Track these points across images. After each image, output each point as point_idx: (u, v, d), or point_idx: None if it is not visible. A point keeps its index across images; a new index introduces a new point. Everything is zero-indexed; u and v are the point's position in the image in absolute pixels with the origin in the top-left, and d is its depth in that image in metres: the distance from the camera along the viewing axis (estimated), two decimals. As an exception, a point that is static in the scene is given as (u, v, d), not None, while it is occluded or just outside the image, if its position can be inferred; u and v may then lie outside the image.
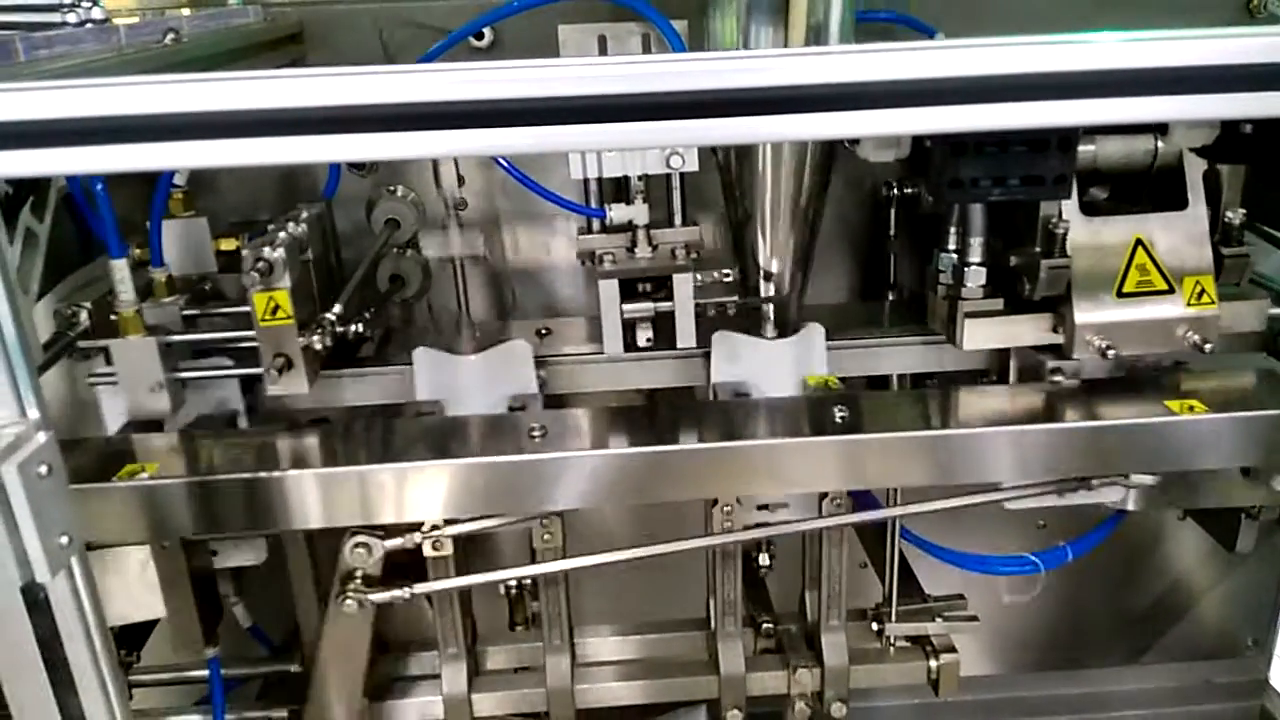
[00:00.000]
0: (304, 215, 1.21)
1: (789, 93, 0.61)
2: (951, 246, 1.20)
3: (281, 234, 1.11)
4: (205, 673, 1.29)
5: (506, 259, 1.50)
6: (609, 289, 1.25)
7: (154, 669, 1.32)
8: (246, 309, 1.12)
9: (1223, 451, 1.10)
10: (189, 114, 0.64)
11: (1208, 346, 1.12)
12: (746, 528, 1.23)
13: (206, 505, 1.05)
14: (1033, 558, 1.43)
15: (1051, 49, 0.62)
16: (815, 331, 1.27)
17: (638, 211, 1.31)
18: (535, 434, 1.09)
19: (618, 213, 1.32)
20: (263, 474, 1.06)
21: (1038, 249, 1.12)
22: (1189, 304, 1.13)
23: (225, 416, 1.24)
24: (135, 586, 1.12)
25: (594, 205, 1.35)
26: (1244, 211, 1.15)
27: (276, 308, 1.09)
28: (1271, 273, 1.29)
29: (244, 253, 1.08)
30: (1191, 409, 1.07)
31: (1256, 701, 2.01)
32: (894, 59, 0.63)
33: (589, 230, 1.36)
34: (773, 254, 1.24)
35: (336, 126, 0.65)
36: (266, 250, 1.07)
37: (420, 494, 1.08)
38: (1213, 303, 1.13)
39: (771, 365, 1.28)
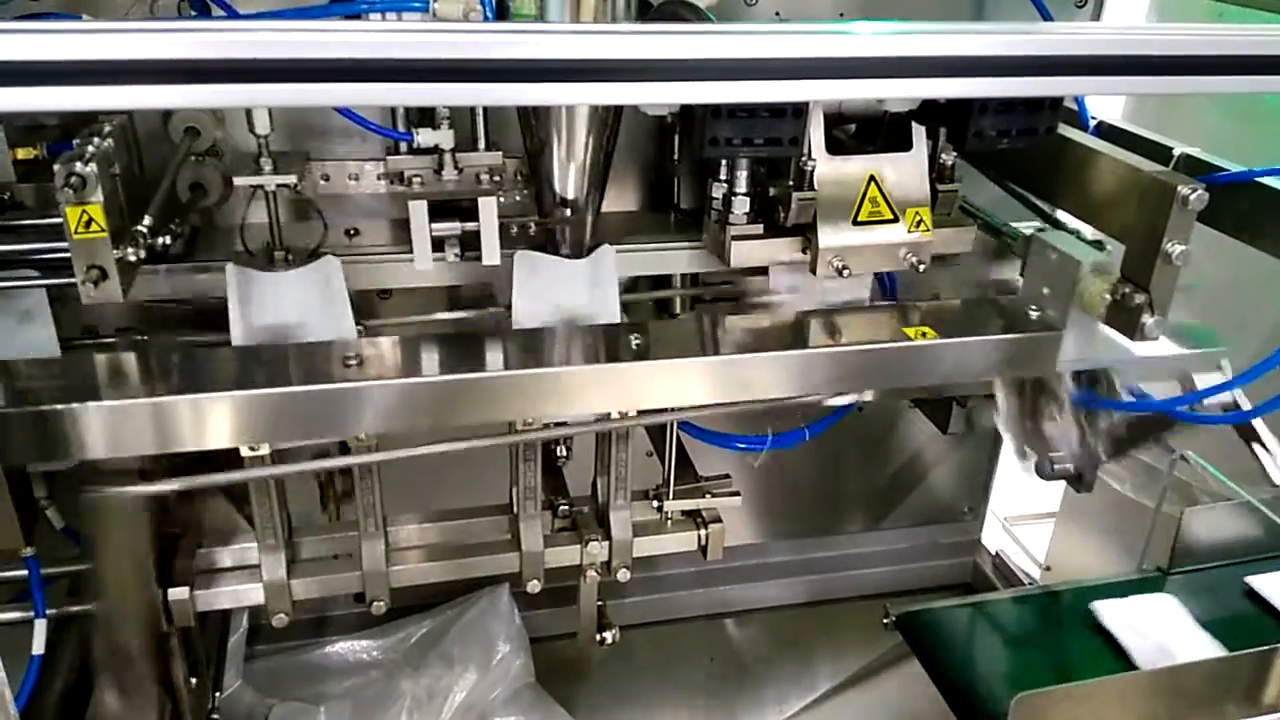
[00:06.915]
0: (110, 125, 1.19)
1: (575, 64, 0.73)
2: (722, 177, 1.34)
3: (90, 148, 1.10)
4: (21, 572, 1.33)
5: (316, 187, 1.51)
6: (419, 209, 1.31)
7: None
8: (53, 218, 1.11)
9: (946, 370, 1.26)
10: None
11: (922, 266, 1.34)
12: (545, 426, 1.36)
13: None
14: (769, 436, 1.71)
15: (778, 39, 0.77)
16: (606, 253, 1.40)
17: (444, 137, 1.37)
18: (350, 362, 1.13)
19: (424, 137, 1.37)
20: (58, 406, 1.03)
21: (790, 183, 1.29)
22: (909, 230, 1.33)
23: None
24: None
25: (401, 129, 1.40)
26: (955, 154, 1.37)
27: (90, 221, 1.09)
28: (983, 204, 1.54)
29: (56, 167, 1.06)
30: (924, 335, 1.24)
31: (970, 558, 2.42)
32: (666, 40, 0.76)
33: (396, 152, 1.40)
34: (569, 181, 1.33)
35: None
36: (78, 165, 1.06)
37: (220, 423, 1.09)
38: (928, 230, 1.34)
39: (567, 281, 1.40)
